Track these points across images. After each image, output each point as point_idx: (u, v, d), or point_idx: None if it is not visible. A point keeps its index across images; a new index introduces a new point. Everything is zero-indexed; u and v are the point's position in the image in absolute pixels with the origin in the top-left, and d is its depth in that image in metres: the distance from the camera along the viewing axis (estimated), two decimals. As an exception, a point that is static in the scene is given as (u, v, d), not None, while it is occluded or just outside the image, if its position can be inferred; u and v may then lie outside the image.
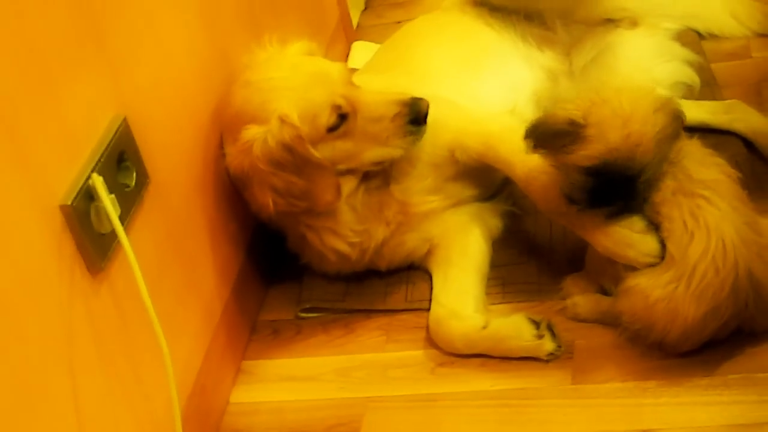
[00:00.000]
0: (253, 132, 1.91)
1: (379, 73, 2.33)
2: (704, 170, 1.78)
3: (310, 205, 1.96)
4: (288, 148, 1.90)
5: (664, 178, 1.76)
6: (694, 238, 1.71)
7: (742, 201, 1.78)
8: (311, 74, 2.01)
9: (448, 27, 2.42)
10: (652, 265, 1.76)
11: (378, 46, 2.80)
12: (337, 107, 1.95)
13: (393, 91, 2.04)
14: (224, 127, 2.01)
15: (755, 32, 2.55)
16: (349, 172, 2.02)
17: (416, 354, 1.99)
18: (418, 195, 2.09)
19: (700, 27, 2.59)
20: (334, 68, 2.04)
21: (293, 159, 1.91)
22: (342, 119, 1.96)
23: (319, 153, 1.93)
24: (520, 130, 1.82)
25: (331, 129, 1.96)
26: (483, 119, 2.08)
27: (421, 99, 2.01)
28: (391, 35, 2.54)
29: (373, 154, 2.01)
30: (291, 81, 1.98)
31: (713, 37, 2.57)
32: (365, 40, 2.97)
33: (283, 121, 1.90)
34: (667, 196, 1.76)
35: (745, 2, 2.58)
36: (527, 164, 1.92)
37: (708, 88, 2.38)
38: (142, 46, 1.79)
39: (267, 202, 1.93)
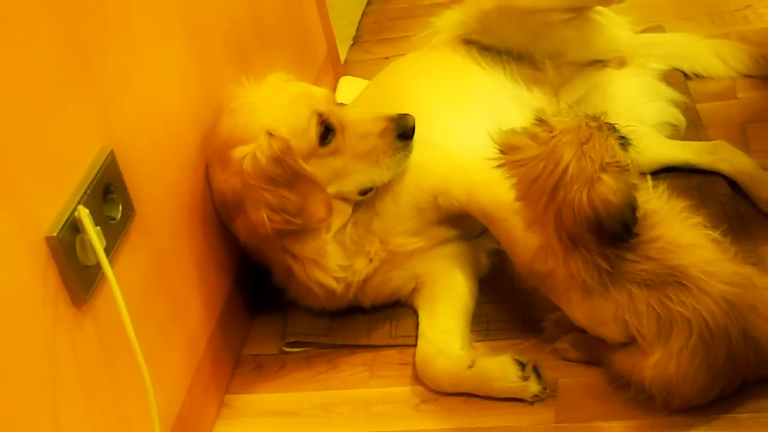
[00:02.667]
0: (242, 151, 1.92)
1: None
2: (682, 235, 1.73)
3: (303, 222, 1.96)
4: (278, 161, 1.91)
5: (641, 252, 1.71)
6: (673, 331, 1.68)
7: (724, 260, 1.74)
8: (295, 93, 2.04)
9: (438, 65, 2.43)
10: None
11: (365, 81, 2.81)
12: (321, 118, 1.98)
13: (378, 110, 2.07)
14: (212, 155, 2.02)
15: (741, 73, 2.56)
16: (340, 197, 2.02)
17: (400, 390, 1.98)
18: (401, 236, 2.09)
19: (687, 68, 2.60)
20: (317, 89, 2.09)
21: (284, 173, 1.92)
22: (329, 133, 1.99)
23: (310, 168, 1.95)
24: (506, 182, 1.83)
25: (321, 143, 1.98)
26: (469, 167, 2.08)
27: (407, 114, 2.04)
28: (379, 71, 2.55)
29: (363, 175, 2.03)
30: (275, 100, 2.02)
31: (699, 77, 2.58)
32: (352, 75, 2.98)
33: (271, 135, 1.92)
34: (637, 292, 1.70)
35: (731, 44, 2.60)
36: (509, 222, 1.93)
37: (693, 128, 2.39)
38: (131, 79, 1.80)
39: (262, 219, 1.92)
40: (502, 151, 1.75)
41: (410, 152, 2.06)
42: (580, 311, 1.80)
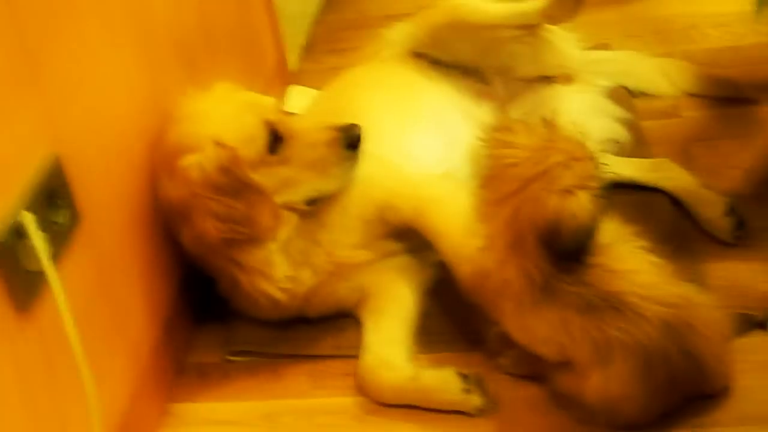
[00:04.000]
0: (189, 160, 1.92)
1: None
2: (622, 260, 1.73)
3: (251, 231, 1.96)
4: (225, 170, 1.91)
5: (577, 276, 1.70)
6: (610, 355, 1.68)
7: (661, 282, 1.73)
8: (243, 102, 2.05)
9: (388, 78, 2.45)
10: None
11: (314, 91, 2.81)
12: (270, 127, 1.98)
13: (327, 120, 2.08)
14: (159, 163, 2.01)
15: (685, 92, 2.60)
16: (288, 207, 2.02)
17: (343, 401, 1.99)
18: (347, 249, 2.09)
19: (632, 85, 2.63)
20: (265, 98, 2.10)
21: (231, 182, 1.92)
22: (278, 141, 1.99)
23: (258, 177, 1.95)
24: (452, 199, 1.83)
25: (269, 152, 1.98)
26: (416, 182, 2.10)
27: (355, 124, 2.06)
28: (329, 81, 2.55)
29: (310, 184, 2.04)
30: (223, 109, 2.02)
31: (645, 95, 2.61)
32: (302, 85, 2.98)
33: (217, 144, 1.92)
34: (571, 317, 1.70)
35: (677, 63, 2.64)
36: (454, 238, 1.95)
37: (638, 145, 2.41)
38: (78, 84, 1.79)
39: (208, 228, 1.93)
40: (494, 128, 1.75)
41: (357, 162, 2.07)
42: (513, 324, 1.81)
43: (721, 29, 2.81)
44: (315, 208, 2.07)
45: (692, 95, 2.59)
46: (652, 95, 2.62)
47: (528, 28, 2.42)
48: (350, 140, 2.05)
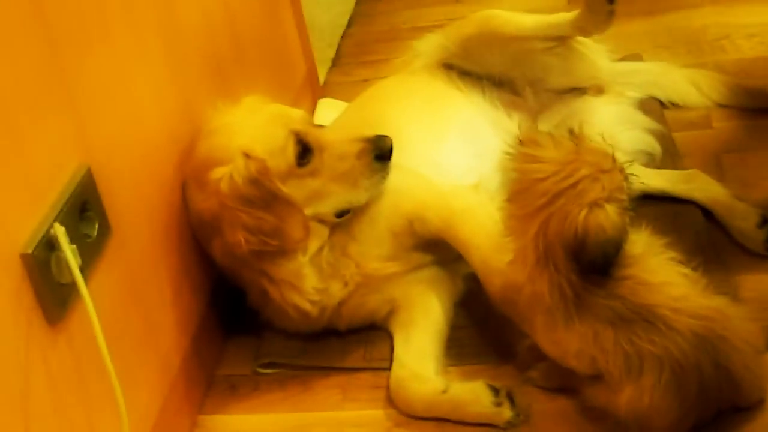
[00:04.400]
0: (219, 172, 1.93)
1: None
2: (654, 273, 1.72)
3: (281, 243, 1.96)
4: (255, 182, 1.91)
5: (609, 289, 1.70)
6: (643, 368, 1.67)
7: (693, 295, 1.73)
8: (271, 114, 2.05)
9: (417, 90, 2.44)
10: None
11: (344, 103, 2.81)
12: (299, 138, 1.98)
13: (357, 131, 2.07)
14: (189, 176, 2.02)
15: (716, 103, 2.58)
16: (317, 219, 2.02)
17: (373, 413, 1.98)
18: (377, 261, 2.09)
19: (663, 96, 2.62)
20: (293, 111, 2.10)
21: (261, 194, 1.92)
22: (307, 153, 1.99)
23: (287, 189, 1.95)
24: (482, 210, 1.82)
25: (299, 163, 1.98)
26: (447, 194, 2.09)
27: (385, 136, 2.05)
28: (358, 94, 2.55)
29: (340, 196, 2.04)
30: (251, 121, 2.03)
31: (676, 106, 2.60)
32: (332, 98, 2.99)
33: (247, 156, 1.92)
34: (603, 330, 1.69)
35: (707, 73, 2.62)
36: (484, 250, 1.94)
37: (669, 156, 2.40)
38: (109, 97, 1.80)
39: (239, 240, 1.93)
40: (521, 142, 1.74)
41: (387, 174, 2.07)
42: (544, 338, 1.81)
43: (752, 40, 2.79)
44: (345, 220, 2.06)
45: (723, 106, 2.57)
46: (683, 106, 2.60)
47: (559, 40, 2.41)
48: (380, 152, 2.05)
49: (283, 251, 1.98)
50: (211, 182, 1.93)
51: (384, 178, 2.07)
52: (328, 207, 2.04)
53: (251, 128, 2.00)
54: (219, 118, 2.05)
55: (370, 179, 2.05)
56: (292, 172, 1.99)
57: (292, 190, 1.97)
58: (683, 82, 2.62)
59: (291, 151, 1.98)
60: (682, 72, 2.65)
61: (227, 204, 1.91)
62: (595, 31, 2.37)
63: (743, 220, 2.16)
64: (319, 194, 2.02)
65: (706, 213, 2.22)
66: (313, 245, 2.02)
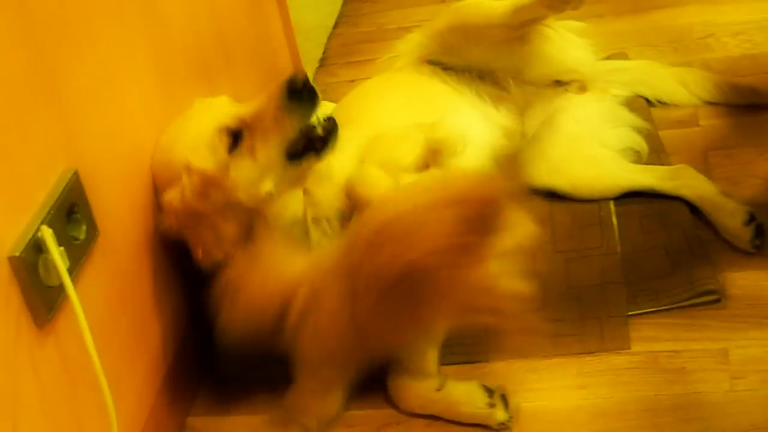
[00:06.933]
0: (170, 195, 1.92)
1: None
2: None
3: (243, 248, 1.94)
4: (203, 194, 1.90)
5: None
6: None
7: None
8: (197, 116, 2.00)
9: (404, 85, 2.44)
10: None
11: (331, 104, 2.81)
12: (224, 130, 1.91)
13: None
14: (156, 194, 2.02)
15: (703, 100, 2.59)
16: (284, 187, 1.96)
17: (362, 414, 1.99)
18: None
19: (650, 94, 2.62)
20: (214, 100, 2.04)
21: (213, 203, 1.90)
22: (238, 138, 1.92)
23: (234, 175, 1.90)
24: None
25: (231, 152, 1.91)
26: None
27: (297, 73, 1.94)
28: (346, 94, 2.55)
29: (278, 148, 1.92)
30: (185, 130, 1.98)
31: (662, 104, 2.60)
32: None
33: (188, 170, 1.90)
34: None
35: (694, 71, 2.62)
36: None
37: (656, 154, 2.40)
38: (96, 100, 1.79)
39: (208, 253, 1.93)
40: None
41: (312, 108, 1.93)
42: None
43: (738, 38, 2.79)
44: (306, 167, 1.98)
45: (710, 103, 2.58)
46: (670, 104, 2.60)
47: (533, 24, 2.38)
48: (291, 87, 1.91)
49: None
50: (166, 204, 1.92)
51: (307, 112, 1.92)
52: (277, 167, 1.94)
53: (185, 139, 1.95)
54: (166, 131, 2.02)
55: (293, 115, 1.91)
56: (230, 163, 1.91)
57: (239, 174, 1.91)
58: (670, 80, 2.62)
59: (221, 147, 1.91)
60: (669, 70, 2.65)
61: (185, 223, 1.91)
62: (566, 7, 2.28)
63: (730, 217, 2.16)
64: (265, 164, 1.93)
65: (694, 209, 2.23)
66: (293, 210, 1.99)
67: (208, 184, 1.89)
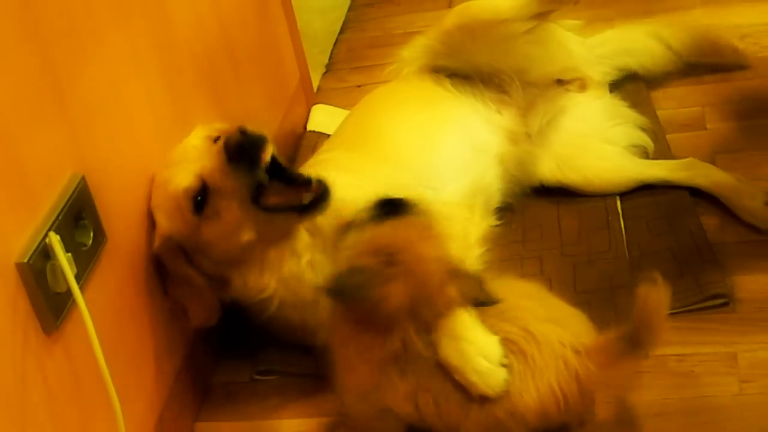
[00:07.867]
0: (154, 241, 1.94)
1: (347, 151, 2.29)
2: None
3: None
4: (159, 260, 1.93)
5: None
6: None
7: None
8: (174, 162, 1.95)
9: (409, 97, 2.43)
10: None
11: (338, 109, 2.82)
12: (189, 193, 1.88)
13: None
14: None
15: (682, 55, 2.63)
16: (271, 236, 1.96)
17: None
18: None
19: (634, 63, 2.66)
20: (191, 142, 1.99)
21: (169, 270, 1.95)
22: (205, 196, 1.88)
23: (207, 236, 1.90)
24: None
25: (198, 213, 1.88)
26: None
27: (232, 132, 1.86)
28: (352, 99, 2.55)
29: (244, 209, 1.89)
30: (160, 177, 1.95)
31: (650, 72, 2.65)
32: (325, 104, 2.99)
33: (154, 229, 1.92)
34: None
35: (670, 24, 2.66)
36: None
37: (662, 153, 2.42)
38: (103, 106, 1.80)
39: (192, 318, 2.01)
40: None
41: (254, 175, 1.86)
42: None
43: (746, 40, 2.79)
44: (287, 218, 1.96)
45: (689, 63, 2.63)
46: (654, 69, 2.66)
47: (537, 19, 2.38)
48: (227, 151, 1.86)
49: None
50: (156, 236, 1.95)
51: (252, 169, 1.85)
52: (252, 222, 1.91)
53: (156, 195, 1.94)
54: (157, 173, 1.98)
55: (236, 180, 1.86)
56: (198, 224, 1.90)
57: (211, 237, 1.90)
58: (646, 38, 2.65)
59: (186, 209, 1.88)
60: (643, 28, 2.68)
61: (166, 264, 1.95)
62: (570, 1, 2.31)
63: (750, 199, 2.18)
64: (234, 221, 1.89)
65: (700, 210, 2.23)
66: (302, 253, 2.01)
67: (165, 255, 1.93)
